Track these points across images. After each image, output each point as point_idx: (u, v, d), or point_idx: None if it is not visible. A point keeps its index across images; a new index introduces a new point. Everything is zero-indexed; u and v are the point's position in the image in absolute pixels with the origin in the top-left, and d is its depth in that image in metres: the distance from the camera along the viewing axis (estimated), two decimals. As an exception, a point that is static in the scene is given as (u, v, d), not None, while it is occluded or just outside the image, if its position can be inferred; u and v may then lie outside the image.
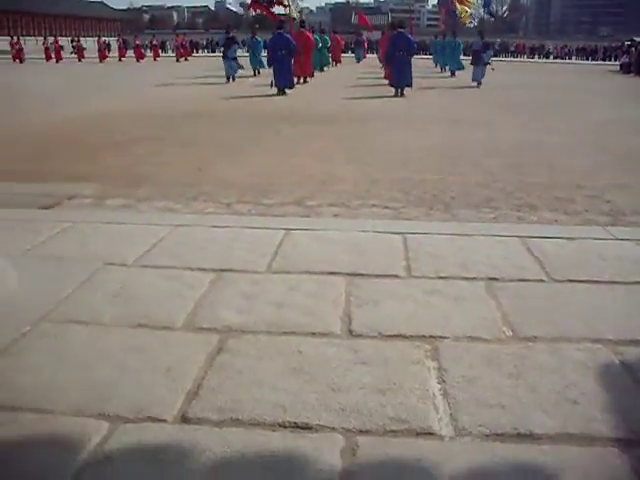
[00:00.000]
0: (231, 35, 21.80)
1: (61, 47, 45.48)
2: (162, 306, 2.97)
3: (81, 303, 3.01)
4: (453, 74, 25.19)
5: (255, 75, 23.08)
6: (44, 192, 5.60)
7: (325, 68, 28.36)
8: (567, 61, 56.11)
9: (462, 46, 26.31)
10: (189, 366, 2.41)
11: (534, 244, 3.85)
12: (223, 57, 21.60)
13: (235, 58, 21.20)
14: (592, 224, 4.74)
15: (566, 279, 3.30)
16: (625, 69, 34.07)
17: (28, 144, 8.44)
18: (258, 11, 23.84)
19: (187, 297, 3.08)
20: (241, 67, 21.51)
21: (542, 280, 3.29)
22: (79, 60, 43.98)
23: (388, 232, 4.15)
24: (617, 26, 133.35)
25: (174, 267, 3.51)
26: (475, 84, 19.92)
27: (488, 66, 20.08)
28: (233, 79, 21.19)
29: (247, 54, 24.81)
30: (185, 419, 2.08)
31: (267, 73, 20.93)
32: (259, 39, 24.33)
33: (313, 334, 2.69)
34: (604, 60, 55.44)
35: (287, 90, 16.68)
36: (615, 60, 47.12)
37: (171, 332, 2.72)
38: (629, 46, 37.54)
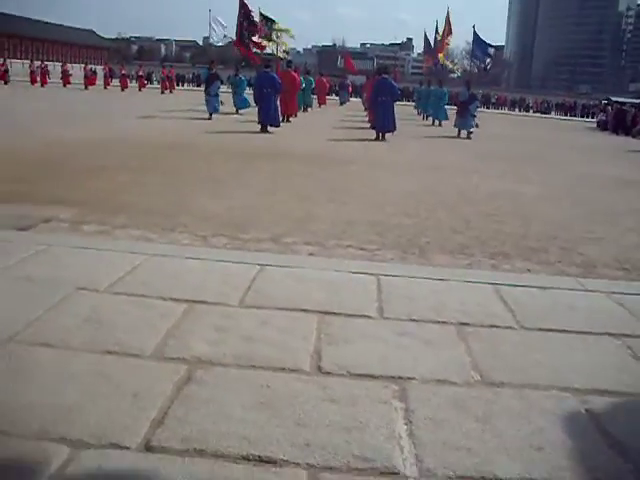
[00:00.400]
0: (214, 71, 21.61)
1: (47, 71, 45.64)
2: (132, 333, 2.95)
3: (50, 326, 2.98)
4: (440, 124, 24.84)
5: (237, 113, 22.88)
6: (20, 214, 5.56)
7: (309, 109, 28.64)
8: (546, 116, 57.37)
9: (448, 95, 26.28)
10: (156, 394, 2.38)
11: (506, 292, 3.89)
12: (205, 93, 21.33)
13: (217, 95, 20.93)
14: (564, 275, 4.80)
15: (536, 327, 3.34)
16: (602, 126, 35.32)
17: (6, 167, 8.37)
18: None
19: (158, 326, 3.06)
20: (221, 103, 21.19)
21: (512, 327, 3.33)
22: (64, 85, 44.10)
23: (362, 273, 4.18)
24: (596, 85, 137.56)
25: (147, 296, 3.49)
26: (456, 132, 19.85)
27: (475, 118, 19.98)
28: (211, 115, 20.63)
29: (230, 91, 24.67)
30: (149, 447, 2.05)
31: (249, 112, 21.15)
32: (242, 77, 24.19)
33: (282, 369, 2.68)
34: (582, 117, 56.89)
35: (270, 128, 16.80)
36: (592, 117, 48.46)
37: (140, 360, 2.69)
38: (605, 105, 38.80)
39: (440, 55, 29.12)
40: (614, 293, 4.04)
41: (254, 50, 24.19)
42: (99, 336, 2.90)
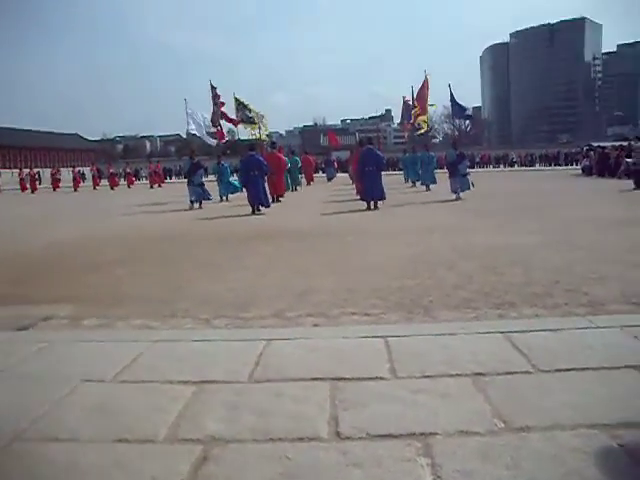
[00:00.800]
0: (196, 160, 21.49)
1: (36, 178, 46.42)
2: (143, 420, 2.88)
3: (58, 420, 2.91)
4: (428, 188, 24.62)
5: (222, 201, 22.79)
6: (19, 314, 5.52)
7: (297, 188, 29.00)
8: (531, 168, 58.32)
9: (435, 159, 26.18)
10: (173, 477, 2.31)
11: (517, 338, 3.84)
12: (188, 183, 20.92)
13: (201, 184, 20.67)
14: (573, 315, 4.76)
15: (553, 369, 3.28)
16: (587, 172, 36.11)
17: (4, 269, 8.37)
18: (227, 138, 24.83)
19: (169, 410, 2.99)
20: (209, 197, 20.79)
21: (529, 372, 3.27)
22: (54, 189, 44.69)
23: (370, 336, 4.13)
24: (575, 132, 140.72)
25: (154, 381, 3.43)
26: (454, 196, 18.96)
27: (468, 177, 19.28)
28: (200, 204, 20.25)
29: (214, 179, 24.56)
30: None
31: (237, 197, 21.31)
32: (226, 164, 24.36)
33: (300, 439, 2.61)
34: (566, 165, 57.96)
35: (262, 209, 16.95)
36: (576, 164, 49.49)
37: (153, 444, 2.62)
38: (587, 150, 39.70)
39: (423, 117, 29.39)
40: (627, 327, 4.01)
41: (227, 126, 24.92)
42: (109, 425, 2.82)
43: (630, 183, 21.83)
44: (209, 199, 21.02)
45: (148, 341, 4.29)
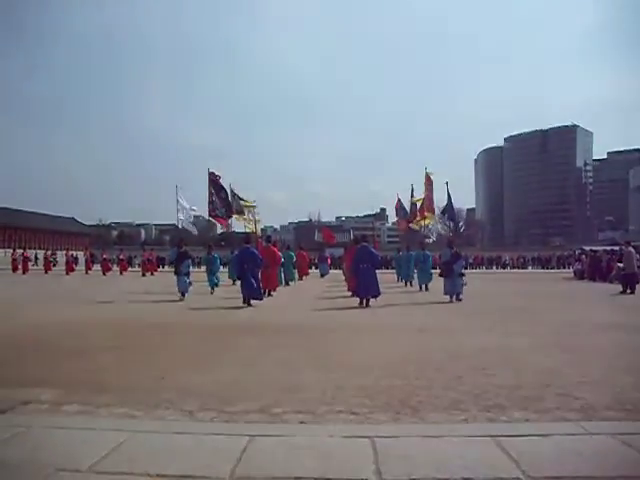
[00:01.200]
0: (183, 249, 21.07)
1: (30, 259, 46.47)
2: (117, 513, 2.77)
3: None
4: (426, 288, 23.88)
5: (212, 292, 22.49)
6: (-2, 397, 5.40)
7: (291, 282, 29.02)
8: (523, 270, 58.80)
9: (431, 258, 25.84)
10: None
11: (507, 443, 3.77)
12: (175, 273, 20.43)
13: (188, 273, 20.12)
14: (564, 420, 4.69)
15: (543, 476, 3.21)
16: (579, 275, 36.84)
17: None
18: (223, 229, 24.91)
19: (144, 504, 2.89)
20: (190, 284, 20.06)
21: (519, 478, 3.21)
22: (46, 272, 44.65)
23: (356, 436, 4.05)
24: (567, 236, 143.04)
25: (131, 473, 3.34)
26: (448, 298, 18.35)
27: (464, 278, 18.84)
28: (183, 295, 19.58)
29: (203, 270, 24.24)
30: None
31: (230, 289, 21.26)
32: (216, 255, 24.34)
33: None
34: (559, 268, 58.60)
35: (253, 302, 16.90)
36: (568, 267, 50.24)
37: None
38: (580, 254, 40.54)
39: (428, 214, 29.42)
40: (620, 434, 3.96)
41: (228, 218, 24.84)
42: (81, 518, 2.71)
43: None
44: (190, 284, 20.39)
45: (129, 431, 4.19)
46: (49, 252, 50.15)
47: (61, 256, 51.21)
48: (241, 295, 17.20)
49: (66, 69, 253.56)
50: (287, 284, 27.75)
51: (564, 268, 55.12)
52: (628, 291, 21.76)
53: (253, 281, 17.24)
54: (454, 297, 18.46)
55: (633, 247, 24.85)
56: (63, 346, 8.88)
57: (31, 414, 4.99)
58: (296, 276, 32.04)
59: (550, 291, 24.19)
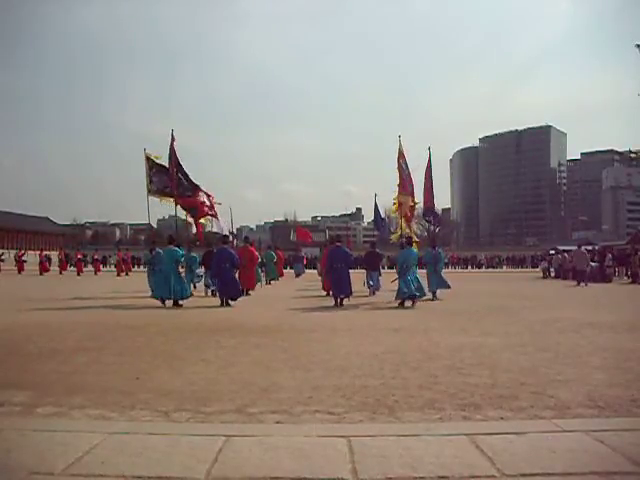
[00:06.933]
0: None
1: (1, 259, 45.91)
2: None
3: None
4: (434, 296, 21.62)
5: (193, 289, 21.62)
6: (-31, 400, 5.32)
7: (272, 282, 29.14)
8: (498, 270, 59.36)
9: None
10: None
11: (482, 441, 3.81)
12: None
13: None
14: (539, 418, 4.74)
15: (518, 473, 3.25)
16: (545, 273, 38.83)
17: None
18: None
19: (119, 506, 2.87)
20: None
21: (494, 476, 3.23)
22: (19, 272, 44.10)
23: (332, 436, 4.06)
24: (541, 236, 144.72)
25: (106, 475, 3.31)
26: (431, 295, 18.87)
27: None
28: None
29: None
30: None
31: (202, 288, 21.17)
32: (194, 255, 23.36)
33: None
34: (532, 267, 59.38)
35: (231, 302, 16.87)
36: (541, 267, 51.24)
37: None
38: (550, 254, 42.06)
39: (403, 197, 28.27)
40: (593, 431, 4.02)
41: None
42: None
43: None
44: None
45: (104, 432, 4.15)
46: (21, 252, 49.36)
47: (34, 256, 50.42)
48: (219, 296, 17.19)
49: (37, 66, 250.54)
50: (268, 283, 27.88)
51: (537, 268, 55.96)
52: (582, 284, 27.19)
53: (230, 281, 17.21)
54: (435, 294, 19.07)
55: (603, 247, 27.86)
56: (36, 348, 8.77)
57: (4, 417, 4.93)
58: (277, 275, 32.11)
59: (523, 290, 24.75)
